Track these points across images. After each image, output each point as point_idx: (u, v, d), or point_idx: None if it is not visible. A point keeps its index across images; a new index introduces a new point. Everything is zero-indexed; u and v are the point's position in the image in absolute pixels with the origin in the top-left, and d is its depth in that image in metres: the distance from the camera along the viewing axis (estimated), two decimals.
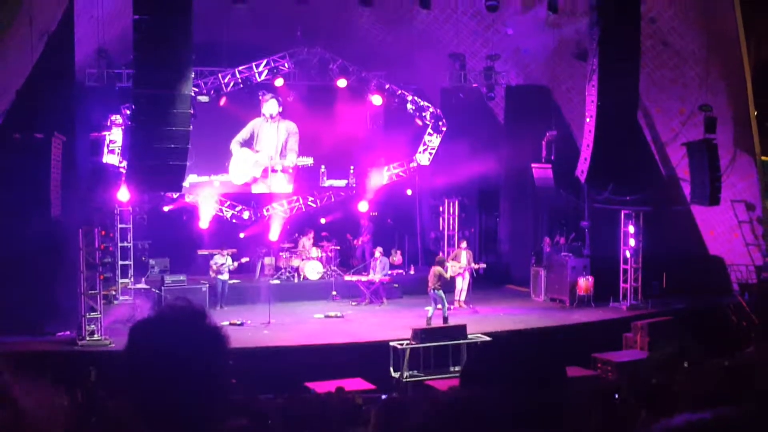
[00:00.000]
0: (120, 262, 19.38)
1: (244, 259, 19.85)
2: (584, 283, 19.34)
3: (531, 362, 2.07)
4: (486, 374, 2.07)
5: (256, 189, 22.36)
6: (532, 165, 19.66)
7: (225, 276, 19.02)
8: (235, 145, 21.97)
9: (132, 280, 19.59)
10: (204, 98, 19.64)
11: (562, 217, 21.76)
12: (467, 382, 2.11)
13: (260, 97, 21.79)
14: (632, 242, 19.29)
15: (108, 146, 18.64)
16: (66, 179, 15.55)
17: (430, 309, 17.15)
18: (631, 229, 19.26)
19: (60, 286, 15.62)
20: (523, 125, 20.59)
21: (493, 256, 23.24)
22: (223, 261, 19.01)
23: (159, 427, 2.03)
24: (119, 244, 19.40)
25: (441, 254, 20.20)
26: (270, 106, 21.94)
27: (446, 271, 18.21)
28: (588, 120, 16.51)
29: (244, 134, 22.03)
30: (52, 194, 14.90)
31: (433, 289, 17.20)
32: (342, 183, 23.00)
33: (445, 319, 16.85)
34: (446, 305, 17.18)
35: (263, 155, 22.17)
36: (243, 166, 22.07)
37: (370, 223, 22.95)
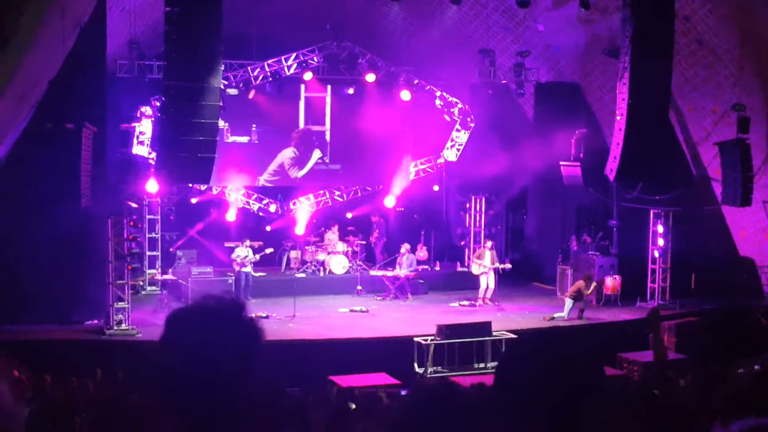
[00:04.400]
0: (148, 253, 19.56)
1: (268, 250, 19.84)
2: (611, 282, 19.18)
3: (568, 362, 1.99)
4: (521, 374, 2.00)
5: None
6: (561, 163, 19.46)
7: (248, 268, 19.03)
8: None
9: (159, 271, 19.74)
10: (233, 91, 19.69)
11: (590, 215, 21.56)
12: (503, 381, 2.05)
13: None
14: (661, 242, 19.10)
15: (137, 137, 18.78)
16: (96, 170, 15.69)
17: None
18: (660, 228, 19.05)
19: (88, 276, 15.78)
20: (552, 122, 20.37)
21: (520, 253, 23.12)
22: (245, 253, 19.01)
23: (187, 420, 2.01)
24: (147, 235, 19.57)
25: (590, 272, 18.88)
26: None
27: (478, 264, 18.75)
28: (618, 118, 16.33)
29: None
30: (82, 184, 15.02)
31: (568, 296, 17.70)
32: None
33: (550, 318, 17.28)
34: (564, 315, 17.35)
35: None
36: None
37: (381, 219, 22.82)
